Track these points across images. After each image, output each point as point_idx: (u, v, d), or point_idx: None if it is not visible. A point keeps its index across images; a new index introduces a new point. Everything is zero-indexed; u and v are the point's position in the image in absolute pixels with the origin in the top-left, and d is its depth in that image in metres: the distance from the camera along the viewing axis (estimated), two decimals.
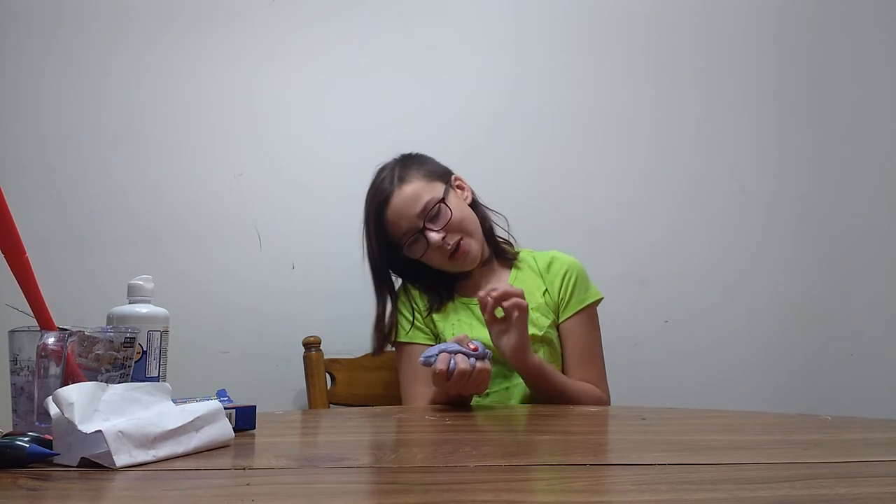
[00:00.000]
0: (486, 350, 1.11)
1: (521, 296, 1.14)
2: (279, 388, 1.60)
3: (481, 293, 1.14)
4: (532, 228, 1.67)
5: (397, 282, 1.45)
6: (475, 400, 1.28)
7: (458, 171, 1.46)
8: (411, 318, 1.37)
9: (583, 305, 1.34)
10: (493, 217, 1.46)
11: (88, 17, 1.69)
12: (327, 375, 1.52)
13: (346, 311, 1.62)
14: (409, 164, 1.38)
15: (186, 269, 1.62)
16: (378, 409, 1.36)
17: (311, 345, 1.51)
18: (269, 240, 1.66)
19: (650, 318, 1.70)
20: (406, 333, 1.37)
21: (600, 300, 1.37)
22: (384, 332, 1.37)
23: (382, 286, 1.39)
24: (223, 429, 0.72)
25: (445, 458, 0.69)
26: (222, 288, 1.63)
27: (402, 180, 1.34)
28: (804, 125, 1.79)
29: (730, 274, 1.73)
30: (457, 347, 1.09)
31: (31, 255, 0.75)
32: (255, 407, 0.85)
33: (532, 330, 1.27)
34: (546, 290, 1.36)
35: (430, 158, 1.42)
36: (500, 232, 1.46)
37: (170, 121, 1.68)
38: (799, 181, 1.77)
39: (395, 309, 1.39)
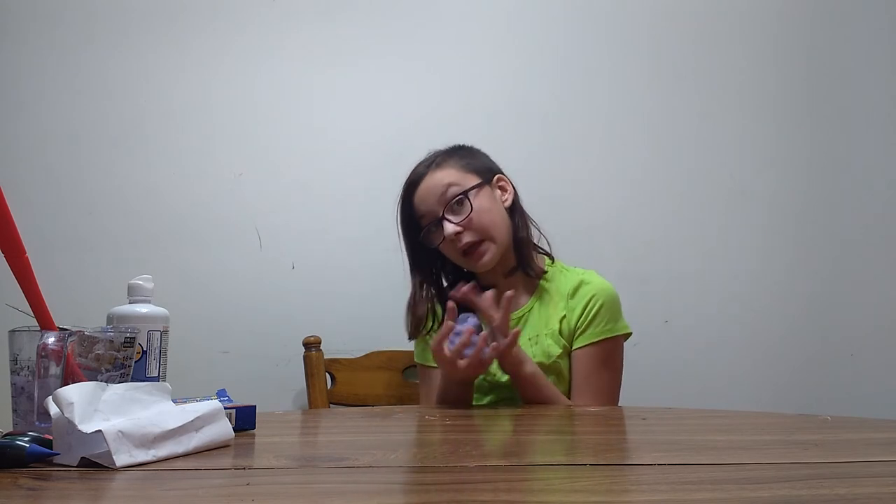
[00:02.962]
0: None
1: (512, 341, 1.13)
2: (279, 388, 1.60)
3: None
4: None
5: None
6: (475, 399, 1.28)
7: None
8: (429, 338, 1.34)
9: (597, 339, 1.25)
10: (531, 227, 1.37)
11: (88, 17, 1.69)
12: (327, 375, 1.52)
13: (346, 311, 1.62)
14: (453, 152, 1.34)
15: (186, 269, 1.63)
16: (378, 409, 1.36)
17: (311, 345, 1.51)
18: (269, 240, 1.66)
19: (650, 318, 1.69)
20: (425, 355, 1.34)
21: (628, 335, 1.28)
22: (417, 316, 1.32)
23: (415, 269, 1.34)
24: (223, 429, 0.72)
25: (445, 458, 0.69)
26: (222, 288, 1.63)
27: (438, 165, 1.30)
28: (804, 125, 1.79)
29: (730, 274, 1.73)
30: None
31: (31, 255, 0.75)
32: (255, 407, 0.85)
33: (541, 358, 1.25)
34: (565, 315, 1.28)
35: (480, 152, 1.37)
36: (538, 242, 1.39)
37: (170, 121, 1.68)
38: (798, 181, 1.77)
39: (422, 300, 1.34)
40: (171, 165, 1.67)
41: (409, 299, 1.34)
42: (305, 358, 1.50)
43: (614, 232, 1.72)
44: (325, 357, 1.52)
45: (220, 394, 0.89)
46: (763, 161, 1.77)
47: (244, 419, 0.83)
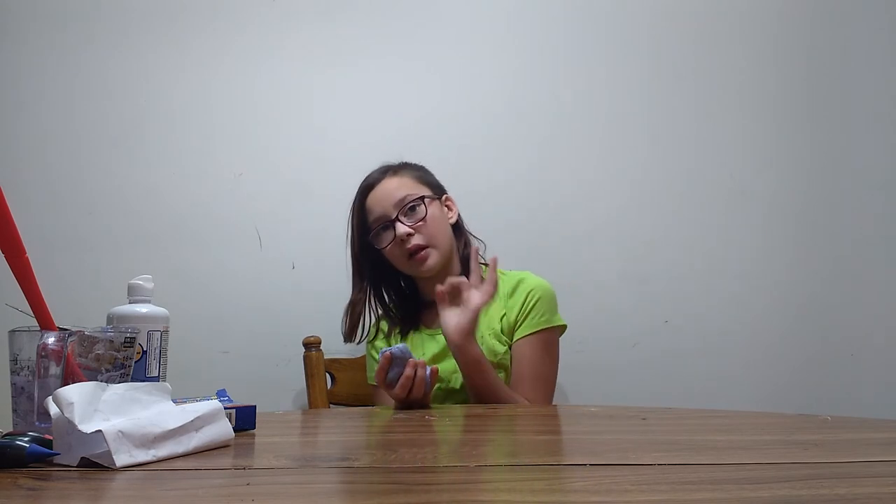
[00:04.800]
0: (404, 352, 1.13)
1: (492, 295, 1.19)
2: (279, 388, 1.60)
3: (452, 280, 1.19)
4: (532, 228, 1.67)
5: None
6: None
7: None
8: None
9: (537, 329, 1.30)
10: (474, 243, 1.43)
11: (88, 17, 1.69)
12: (327, 375, 1.52)
13: None
14: (407, 165, 1.43)
15: (186, 269, 1.63)
16: (378, 409, 1.36)
17: (311, 345, 1.51)
18: (269, 240, 1.66)
19: (650, 318, 1.69)
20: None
21: (563, 328, 1.34)
22: (352, 319, 1.39)
23: (357, 273, 1.41)
24: (223, 429, 0.72)
25: (445, 458, 0.69)
26: (222, 288, 1.63)
27: (394, 173, 1.39)
28: (803, 125, 1.79)
29: (729, 274, 1.73)
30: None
31: (31, 255, 0.75)
32: (255, 407, 0.85)
33: (487, 357, 1.25)
34: (505, 314, 1.34)
35: (430, 171, 1.45)
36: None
37: (170, 121, 1.68)
38: (798, 181, 1.77)
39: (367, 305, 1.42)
40: (171, 165, 1.67)
41: (348, 302, 1.41)
42: (305, 358, 1.50)
43: (614, 232, 1.72)
44: (325, 357, 1.52)
45: (220, 394, 0.89)
46: (763, 161, 1.77)
47: (244, 419, 0.83)
